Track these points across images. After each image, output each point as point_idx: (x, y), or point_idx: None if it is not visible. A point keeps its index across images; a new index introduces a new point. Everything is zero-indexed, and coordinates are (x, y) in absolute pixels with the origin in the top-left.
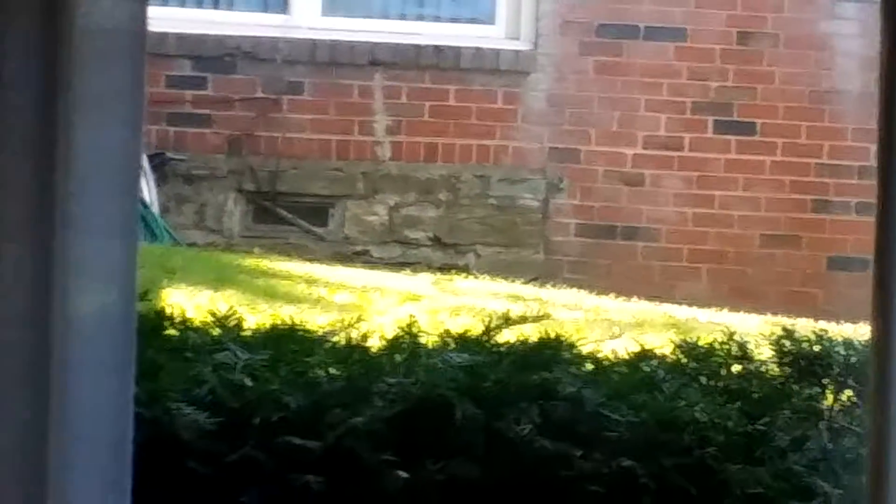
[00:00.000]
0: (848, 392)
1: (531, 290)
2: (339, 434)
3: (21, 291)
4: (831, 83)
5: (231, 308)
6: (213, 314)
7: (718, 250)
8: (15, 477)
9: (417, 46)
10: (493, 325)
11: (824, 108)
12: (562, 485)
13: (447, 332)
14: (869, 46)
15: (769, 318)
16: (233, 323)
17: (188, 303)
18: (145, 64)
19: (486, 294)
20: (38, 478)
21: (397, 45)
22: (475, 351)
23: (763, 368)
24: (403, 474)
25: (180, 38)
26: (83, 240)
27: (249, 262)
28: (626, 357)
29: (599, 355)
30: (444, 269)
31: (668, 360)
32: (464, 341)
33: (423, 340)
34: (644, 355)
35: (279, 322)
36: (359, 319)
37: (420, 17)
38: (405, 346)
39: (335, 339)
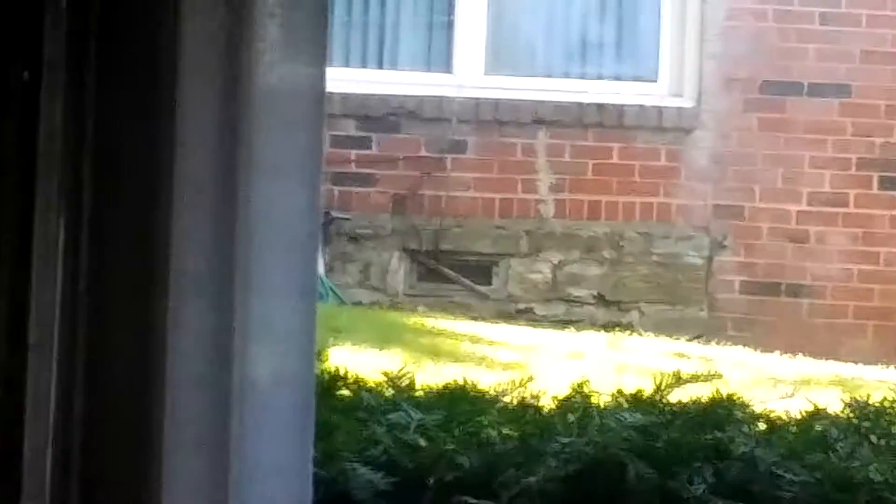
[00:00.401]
0: None
1: (696, 348)
2: (513, 494)
3: (201, 352)
4: None
5: (402, 368)
6: (386, 374)
7: (884, 307)
8: None
9: (581, 104)
10: (664, 385)
11: None
12: None
13: (619, 391)
14: None
15: None
16: (405, 383)
17: (354, 362)
18: (325, 126)
19: (651, 352)
20: None
21: (560, 103)
22: (647, 410)
23: None
24: None
25: (345, 97)
26: (263, 301)
27: (414, 320)
28: (799, 416)
29: (772, 415)
30: (608, 326)
31: (840, 418)
32: (635, 401)
33: (594, 400)
34: (816, 414)
35: (451, 382)
36: (530, 379)
37: (583, 76)
38: (577, 405)
39: (506, 398)
